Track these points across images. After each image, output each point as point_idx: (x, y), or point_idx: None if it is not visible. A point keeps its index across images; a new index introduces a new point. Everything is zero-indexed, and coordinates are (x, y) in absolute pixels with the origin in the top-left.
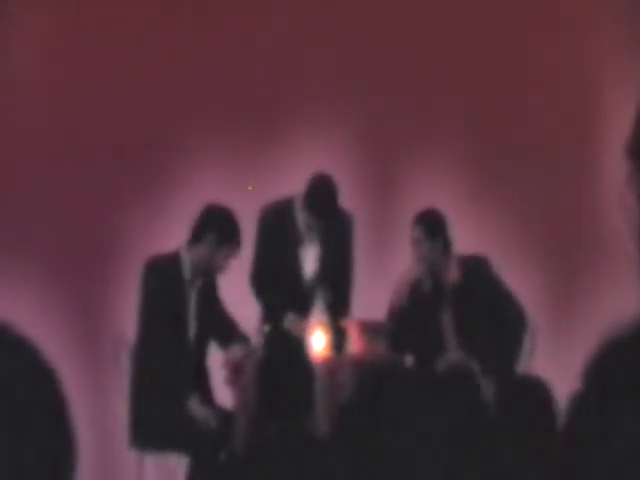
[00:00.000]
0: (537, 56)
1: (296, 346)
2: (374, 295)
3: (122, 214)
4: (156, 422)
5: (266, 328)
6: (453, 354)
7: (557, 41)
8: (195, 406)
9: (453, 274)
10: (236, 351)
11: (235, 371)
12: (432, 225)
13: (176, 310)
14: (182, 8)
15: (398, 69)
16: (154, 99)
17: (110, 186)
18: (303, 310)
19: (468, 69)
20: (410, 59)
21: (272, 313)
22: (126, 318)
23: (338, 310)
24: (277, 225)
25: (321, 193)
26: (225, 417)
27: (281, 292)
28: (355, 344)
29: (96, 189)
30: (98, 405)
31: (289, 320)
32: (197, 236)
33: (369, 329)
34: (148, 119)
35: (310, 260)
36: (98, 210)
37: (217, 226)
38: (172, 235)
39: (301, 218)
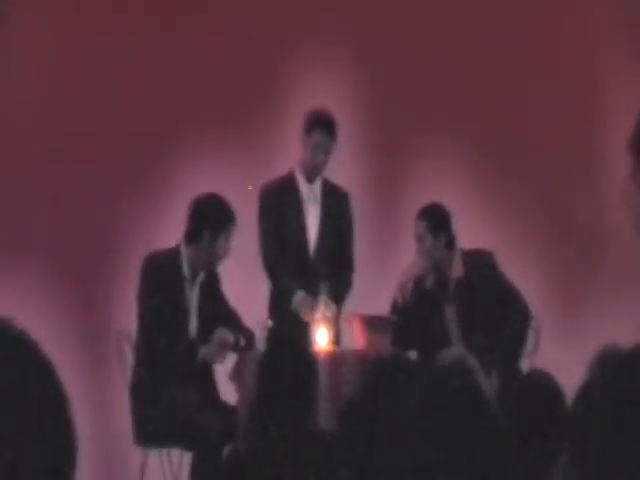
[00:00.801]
0: (539, 55)
1: (299, 340)
2: (378, 290)
3: (122, 211)
4: (158, 418)
5: (269, 322)
6: (454, 349)
7: (558, 39)
8: (205, 350)
9: (457, 269)
10: (225, 333)
11: (237, 367)
12: (435, 220)
13: (175, 306)
14: (170, 9)
15: (402, 64)
16: (151, 97)
17: (110, 184)
18: (309, 280)
19: (473, 67)
20: (414, 54)
21: (284, 291)
22: (129, 314)
23: (340, 290)
24: (279, 197)
25: (322, 111)
26: (228, 413)
27: (290, 266)
28: (358, 339)
29: (95, 187)
30: (102, 401)
31: (298, 297)
32: (193, 235)
33: (372, 324)
34: (145, 116)
35: (312, 228)
36: (98, 208)
37: (211, 221)
38: (173, 231)
39: (302, 185)
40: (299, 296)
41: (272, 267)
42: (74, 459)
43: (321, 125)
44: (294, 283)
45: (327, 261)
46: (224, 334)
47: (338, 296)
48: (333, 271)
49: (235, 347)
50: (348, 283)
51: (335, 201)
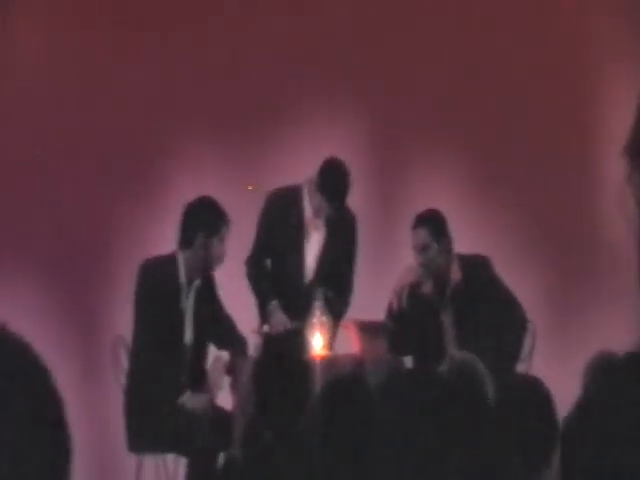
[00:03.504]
0: (537, 58)
1: (294, 346)
2: (374, 295)
3: (119, 216)
4: (153, 425)
5: (265, 328)
6: (463, 352)
7: (557, 43)
8: (188, 401)
9: (455, 274)
10: (224, 358)
11: (233, 373)
12: (437, 227)
13: (171, 313)
14: (170, 10)
15: (400, 71)
16: (148, 100)
17: (106, 188)
18: (302, 306)
19: (468, 70)
20: (412, 61)
21: (259, 298)
22: (125, 320)
23: (337, 308)
24: (282, 211)
25: (334, 176)
26: (224, 419)
27: (274, 280)
28: (354, 344)
29: (92, 192)
30: (98, 407)
31: (272, 307)
32: (187, 240)
33: (368, 329)
34: (141, 120)
35: (312, 253)
36: (94, 213)
37: (203, 224)
38: (169, 237)
39: (308, 207)
40: (273, 306)
41: (253, 277)
42: (70, 460)
43: (327, 196)
44: (269, 295)
45: (324, 283)
46: (218, 365)
47: (336, 316)
48: (332, 290)
49: (232, 368)
50: (346, 303)
51: (340, 224)
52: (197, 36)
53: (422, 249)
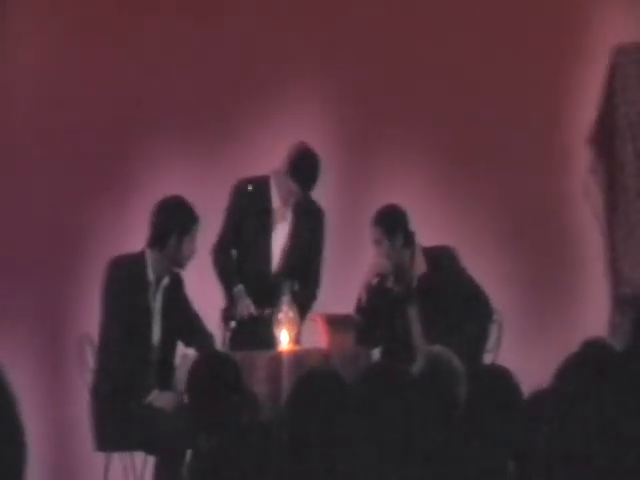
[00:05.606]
0: (506, 53)
1: (262, 340)
2: (342, 289)
3: (87, 212)
4: (120, 423)
5: (233, 323)
6: (438, 348)
7: (525, 38)
8: (155, 400)
9: (420, 265)
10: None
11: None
12: (389, 225)
13: (139, 312)
14: (147, 9)
15: (372, 66)
16: (120, 97)
17: (76, 183)
18: (268, 298)
19: (438, 64)
20: (383, 56)
21: (225, 283)
22: (91, 317)
23: (303, 302)
24: (250, 202)
25: (306, 159)
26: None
27: (240, 271)
28: (322, 337)
29: (61, 186)
30: (63, 405)
31: (237, 290)
32: (159, 239)
33: (336, 323)
34: (114, 116)
35: (279, 244)
36: (62, 208)
37: (177, 226)
38: (139, 234)
39: (275, 197)
40: (238, 290)
41: (218, 263)
42: (24, 457)
43: (298, 180)
44: (235, 279)
45: (290, 274)
46: (186, 363)
47: (303, 310)
48: (299, 283)
49: None
50: (312, 296)
51: (308, 216)
52: (167, 36)
53: (376, 245)
